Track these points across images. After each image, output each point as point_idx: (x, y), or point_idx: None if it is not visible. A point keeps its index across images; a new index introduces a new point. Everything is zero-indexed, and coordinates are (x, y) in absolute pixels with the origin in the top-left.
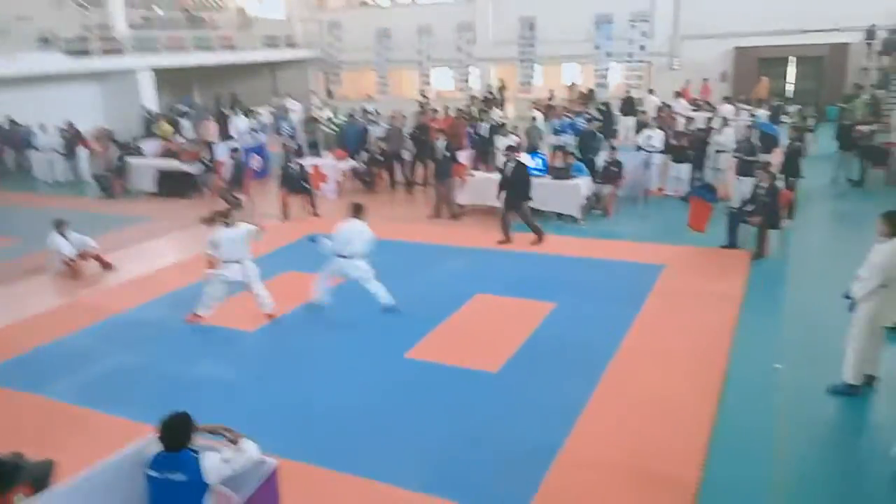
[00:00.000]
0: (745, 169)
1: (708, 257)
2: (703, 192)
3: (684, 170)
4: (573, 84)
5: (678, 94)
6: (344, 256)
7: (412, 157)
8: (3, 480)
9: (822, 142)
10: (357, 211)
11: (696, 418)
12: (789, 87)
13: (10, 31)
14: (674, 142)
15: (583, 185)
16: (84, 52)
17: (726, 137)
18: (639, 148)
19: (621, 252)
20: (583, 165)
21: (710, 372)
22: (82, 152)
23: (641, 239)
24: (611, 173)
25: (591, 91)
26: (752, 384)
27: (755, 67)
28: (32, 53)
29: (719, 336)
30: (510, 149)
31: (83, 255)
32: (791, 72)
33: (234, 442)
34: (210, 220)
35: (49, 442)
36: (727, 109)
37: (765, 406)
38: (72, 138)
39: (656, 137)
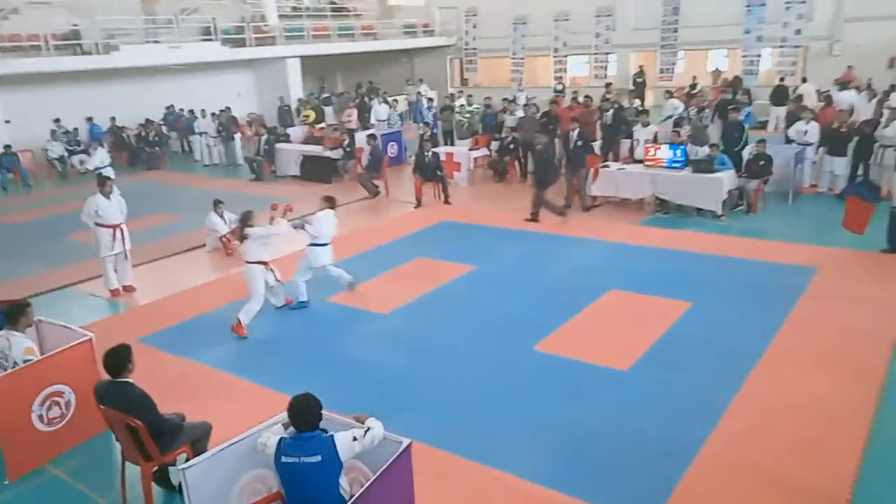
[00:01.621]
0: None
1: (867, 262)
2: (862, 190)
3: (840, 164)
4: (717, 70)
5: (840, 83)
6: (322, 245)
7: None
8: (169, 440)
9: None
10: (331, 202)
11: (849, 431)
12: None
13: (178, 22)
14: (832, 129)
15: (725, 178)
16: (240, 42)
17: (894, 131)
18: (789, 140)
19: (767, 252)
20: (726, 158)
21: (868, 384)
22: (237, 137)
23: (790, 239)
24: (757, 167)
25: (737, 78)
26: None
27: None
28: (195, 44)
29: (879, 346)
30: (544, 127)
31: (235, 233)
32: None
33: (360, 421)
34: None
35: (203, 404)
36: None
37: None
38: (227, 123)
39: (811, 129)
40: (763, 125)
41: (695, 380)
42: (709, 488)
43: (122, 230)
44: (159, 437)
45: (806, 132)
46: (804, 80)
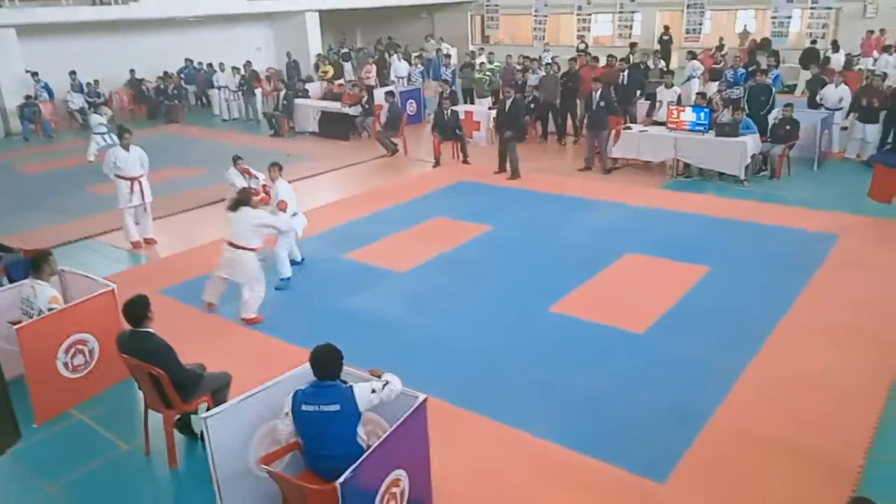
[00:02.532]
0: None
1: (890, 230)
2: (891, 158)
3: (872, 131)
4: (745, 32)
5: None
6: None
7: (560, 106)
8: (190, 389)
9: None
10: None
11: (865, 402)
12: None
13: None
14: (863, 99)
15: (750, 143)
16: None
17: None
18: (816, 105)
19: (789, 218)
20: (751, 122)
21: (887, 354)
22: (258, 92)
23: (813, 206)
24: (783, 131)
25: (765, 40)
26: None
27: None
28: None
29: None
30: (511, 86)
31: (255, 189)
32: None
33: (377, 376)
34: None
35: (222, 356)
36: None
37: None
38: (250, 78)
39: (839, 94)
40: (791, 89)
41: (710, 346)
42: (718, 455)
43: (140, 183)
44: (180, 386)
45: (832, 94)
46: (835, 44)
